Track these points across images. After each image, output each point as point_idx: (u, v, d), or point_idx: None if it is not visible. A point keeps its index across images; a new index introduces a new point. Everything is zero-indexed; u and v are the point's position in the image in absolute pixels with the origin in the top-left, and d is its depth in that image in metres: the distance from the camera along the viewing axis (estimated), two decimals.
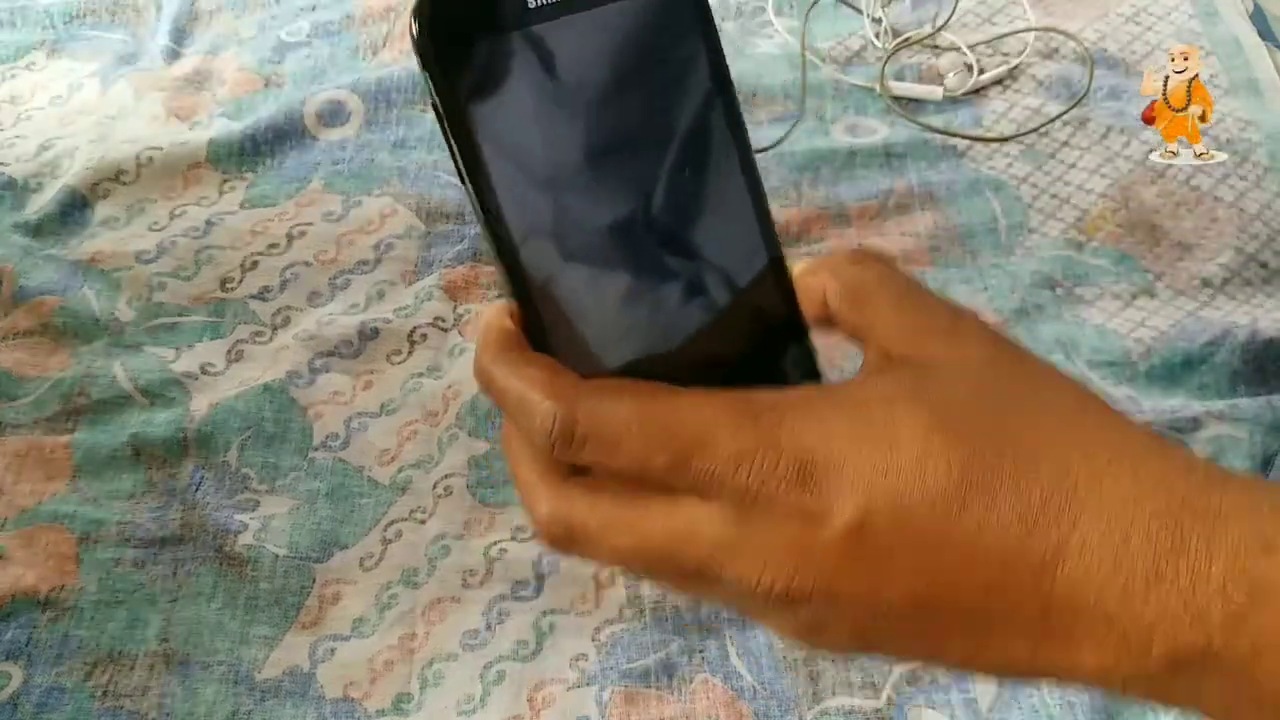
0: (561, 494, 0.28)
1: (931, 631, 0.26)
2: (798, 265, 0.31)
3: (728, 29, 0.80)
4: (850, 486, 0.26)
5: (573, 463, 0.28)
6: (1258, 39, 0.76)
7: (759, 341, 0.31)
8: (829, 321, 0.31)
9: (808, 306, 0.31)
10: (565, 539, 0.28)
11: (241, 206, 0.72)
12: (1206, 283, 0.64)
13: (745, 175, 0.31)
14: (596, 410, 0.27)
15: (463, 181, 0.29)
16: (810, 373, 0.31)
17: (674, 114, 0.30)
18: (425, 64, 0.27)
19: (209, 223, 0.71)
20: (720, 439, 0.26)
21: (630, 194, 0.30)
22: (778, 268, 0.32)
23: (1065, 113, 0.73)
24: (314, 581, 0.55)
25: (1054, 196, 0.70)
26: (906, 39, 0.80)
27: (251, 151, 0.74)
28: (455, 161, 0.29)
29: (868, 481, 0.26)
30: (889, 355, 0.29)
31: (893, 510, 0.25)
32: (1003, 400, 0.27)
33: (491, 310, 0.29)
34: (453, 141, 0.28)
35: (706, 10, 0.30)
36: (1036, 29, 0.79)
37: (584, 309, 0.30)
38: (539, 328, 0.29)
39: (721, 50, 0.30)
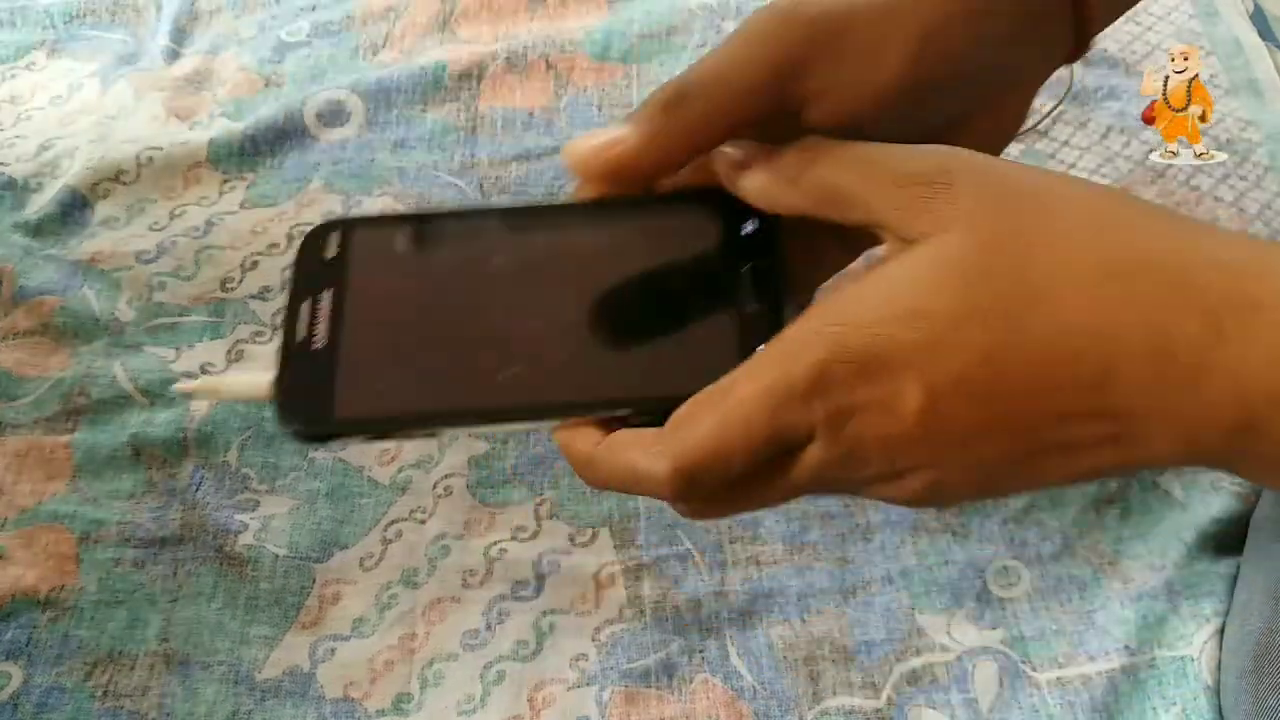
0: (699, 506, 0.32)
1: (1029, 466, 0.28)
2: (747, 172, 0.32)
3: (727, 29, 0.80)
4: (904, 370, 0.27)
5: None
6: (1258, 39, 0.76)
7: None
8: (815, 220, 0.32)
9: (779, 208, 0.32)
10: (714, 517, 0.33)
11: (242, 206, 0.72)
12: None
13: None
14: (691, 448, 0.29)
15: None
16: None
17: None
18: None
19: (209, 223, 0.71)
20: (787, 397, 0.28)
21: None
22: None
23: (1052, 111, 0.74)
24: (314, 581, 0.55)
25: None
26: None
27: (252, 151, 0.74)
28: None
29: (916, 361, 0.27)
30: (893, 235, 0.29)
31: (950, 380, 0.27)
32: (1017, 244, 0.28)
33: (562, 433, 0.32)
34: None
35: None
36: None
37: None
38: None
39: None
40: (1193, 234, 0.28)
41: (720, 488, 0.30)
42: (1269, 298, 0.26)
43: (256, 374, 0.32)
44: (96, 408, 0.62)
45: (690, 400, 0.30)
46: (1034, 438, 0.28)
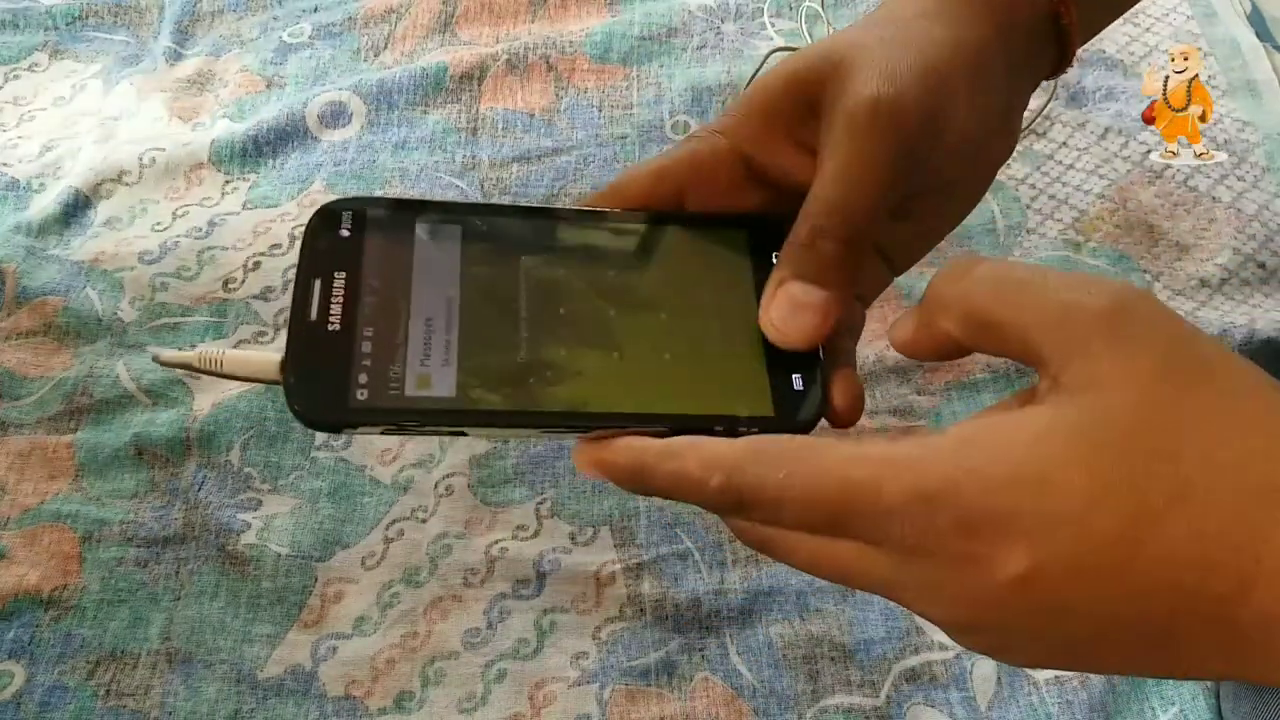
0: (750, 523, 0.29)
1: (1118, 654, 0.26)
2: (908, 326, 0.30)
3: (727, 30, 0.80)
4: (1014, 537, 0.24)
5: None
6: (1256, 40, 0.76)
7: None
8: (965, 350, 0.29)
9: (946, 356, 0.30)
10: (759, 549, 0.30)
11: (244, 207, 0.72)
12: (1204, 283, 0.65)
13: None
14: (750, 480, 0.28)
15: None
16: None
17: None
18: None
19: (211, 223, 0.71)
20: (870, 502, 0.26)
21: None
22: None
23: (1042, 109, 0.74)
24: (316, 580, 0.55)
25: (1052, 197, 0.70)
26: None
27: (254, 152, 0.74)
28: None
29: (1032, 532, 0.24)
30: (1055, 379, 0.26)
31: (1061, 560, 0.24)
32: (1175, 420, 0.25)
33: (588, 449, 0.31)
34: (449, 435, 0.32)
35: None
36: None
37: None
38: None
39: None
40: None
41: (775, 522, 0.28)
42: None
43: (265, 351, 0.31)
44: (99, 407, 0.62)
45: (784, 439, 0.28)
46: (1136, 636, 0.25)
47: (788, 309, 0.31)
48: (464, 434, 0.31)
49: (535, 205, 0.34)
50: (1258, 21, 0.78)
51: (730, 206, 0.35)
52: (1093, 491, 0.24)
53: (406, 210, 0.34)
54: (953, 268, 0.29)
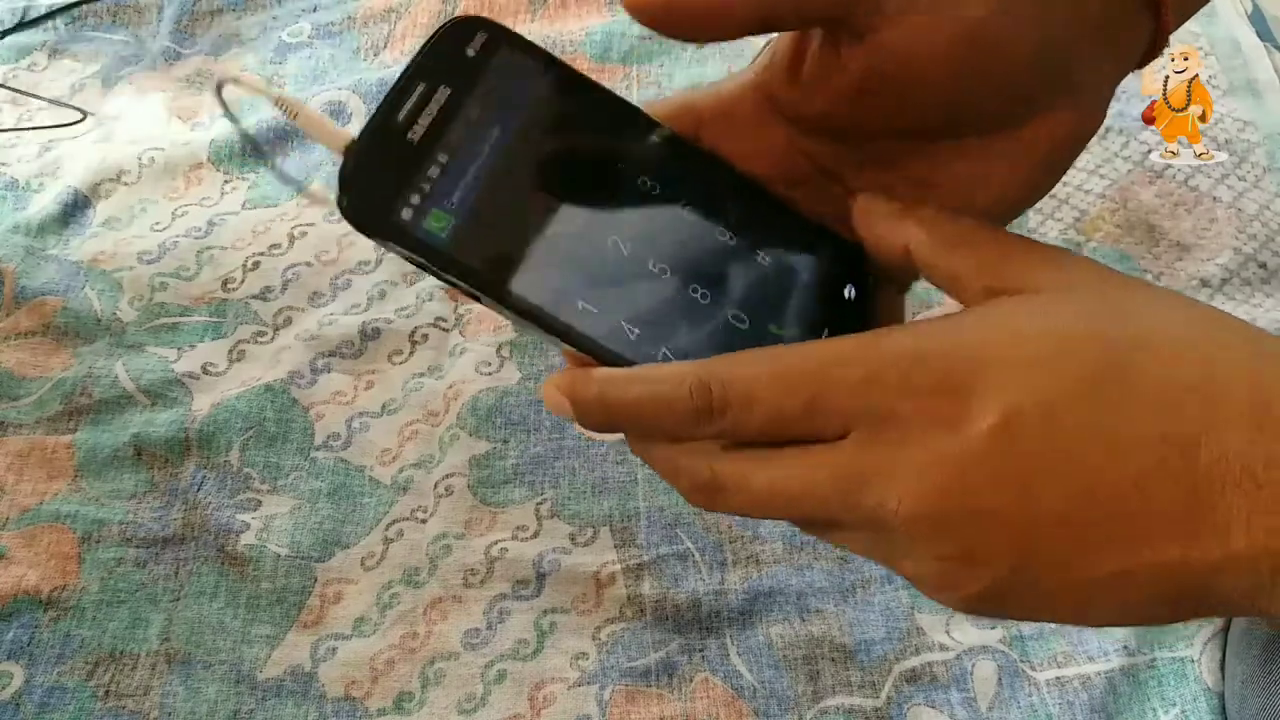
0: (702, 455, 0.28)
1: (1083, 541, 0.25)
2: (879, 206, 0.31)
3: None
4: (989, 387, 0.25)
5: (713, 437, 0.28)
6: (1256, 39, 0.76)
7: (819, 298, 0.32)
8: (907, 270, 0.30)
9: (885, 255, 0.31)
10: (710, 489, 0.28)
11: (243, 207, 0.72)
12: (1205, 283, 0.65)
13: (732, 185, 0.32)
14: (724, 376, 0.27)
15: (480, 301, 0.30)
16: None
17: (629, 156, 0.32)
18: (384, 239, 0.30)
19: (210, 223, 0.71)
20: (847, 372, 0.26)
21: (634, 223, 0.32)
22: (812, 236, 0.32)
23: None
24: (315, 581, 0.55)
25: (1053, 197, 0.70)
26: None
27: (253, 152, 0.74)
28: (466, 291, 0.31)
29: (1006, 378, 0.25)
30: (992, 289, 0.28)
31: (1035, 406, 0.24)
32: (1125, 307, 0.26)
33: (559, 377, 0.30)
34: (454, 280, 0.30)
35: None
36: None
37: (649, 329, 0.31)
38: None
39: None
40: None
41: (731, 434, 0.27)
42: None
43: (339, 127, 0.31)
44: (98, 408, 0.62)
45: (751, 349, 0.28)
46: (1101, 501, 0.24)
47: None
48: (477, 298, 0.31)
49: (657, 122, 0.33)
50: (1258, 21, 0.78)
51: (749, 142, 0.33)
52: (1063, 341, 0.25)
53: (540, 62, 0.33)
54: (961, 224, 0.30)
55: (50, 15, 0.85)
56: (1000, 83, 0.29)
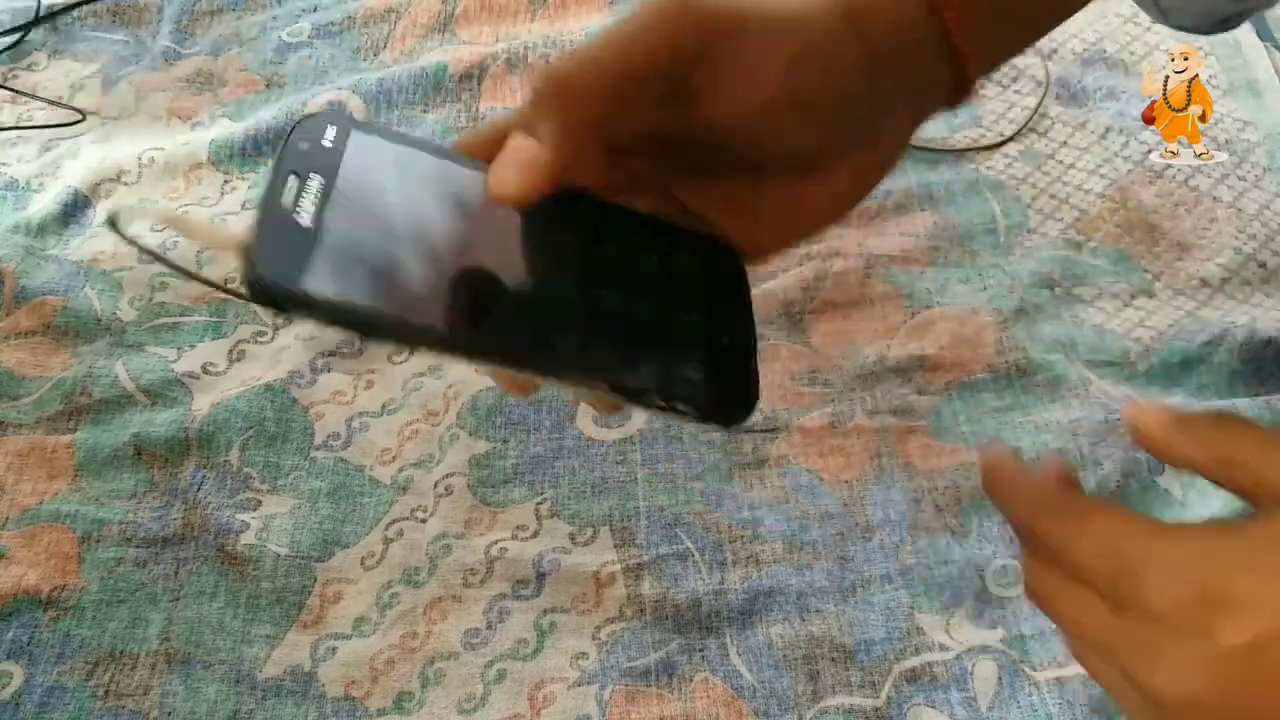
0: (1039, 565, 0.32)
1: None
2: (1156, 419, 0.33)
3: None
4: (1247, 605, 0.27)
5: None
6: (1256, 39, 0.76)
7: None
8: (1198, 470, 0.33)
9: (1175, 461, 0.33)
10: (1030, 594, 0.32)
11: (243, 207, 0.72)
12: (1205, 282, 0.64)
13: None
14: (1057, 528, 0.31)
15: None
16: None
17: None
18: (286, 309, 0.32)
19: (210, 221, 0.71)
20: (1148, 567, 0.29)
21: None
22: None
23: (1035, 110, 0.74)
24: (315, 581, 0.55)
25: (1053, 196, 0.70)
26: None
27: (253, 152, 0.74)
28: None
29: (1264, 601, 0.27)
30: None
31: None
32: None
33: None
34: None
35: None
36: None
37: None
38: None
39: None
40: None
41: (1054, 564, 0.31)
42: None
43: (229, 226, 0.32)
44: (98, 407, 0.62)
45: (1092, 503, 0.31)
46: None
47: (509, 157, 0.32)
48: (386, 341, 0.34)
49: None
50: (1258, 21, 0.78)
51: (580, 168, 0.34)
52: None
53: (388, 139, 0.36)
54: (1219, 419, 0.33)
55: (51, 16, 0.85)
56: (799, 137, 0.33)
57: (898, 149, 0.36)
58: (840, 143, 0.34)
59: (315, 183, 0.33)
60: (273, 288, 0.32)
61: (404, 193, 0.35)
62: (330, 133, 0.35)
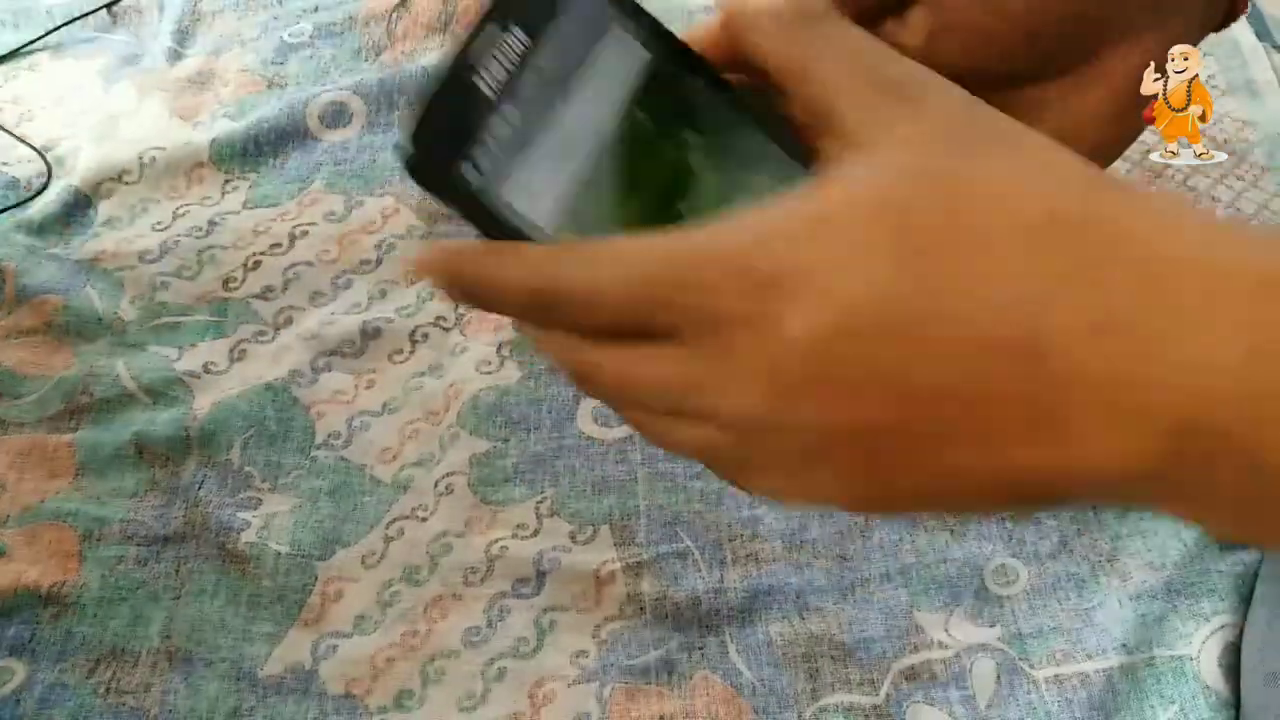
0: (567, 341, 0.27)
1: (928, 447, 0.23)
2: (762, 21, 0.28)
3: None
4: (801, 287, 0.23)
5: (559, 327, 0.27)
6: (1255, 40, 0.76)
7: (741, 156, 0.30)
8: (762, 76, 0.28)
9: (725, 54, 0.29)
10: (574, 375, 0.27)
11: (244, 206, 0.72)
12: None
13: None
14: (552, 270, 0.26)
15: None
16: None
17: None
18: (443, 197, 0.28)
19: (211, 222, 0.71)
20: (667, 270, 0.25)
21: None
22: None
23: None
24: (316, 579, 0.55)
25: None
26: None
27: (254, 152, 0.74)
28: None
29: (818, 280, 0.23)
30: (845, 138, 0.26)
31: (850, 309, 0.23)
32: (958, 174, 0.24)
33: (438, 249, 0.28)
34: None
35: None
36: None
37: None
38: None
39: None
40: (1150, 198, 0.23)
41: (574, 324, 0.26)
42: (1238, 274, 0.21)
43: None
44: (99, 406, 0.62)
45: (601, 240, 0.27)
46: (939, 406, 0.23)
47: None
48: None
49: (738, 90, 0.30)
50: (1257, 21, 0.78)
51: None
52: (876, 237, 0.23)
53: (616, 7, 0.30)
54: (801, 8, 0.28)
55: (51, 18, 0.86)
56: (1071, 12, 0.28)
57: (1191, 30, 0.31)
58: (1115, 15, 0.29)
59: (516, 41, 0.28)
60: (419, 169, 0.27)
61: (607, 75, 0.29)
62: None
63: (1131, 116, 0.31)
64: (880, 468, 0.24)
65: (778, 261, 0.23)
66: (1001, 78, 0.29)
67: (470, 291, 0.28)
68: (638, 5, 0.30)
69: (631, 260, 0.25)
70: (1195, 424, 0.21)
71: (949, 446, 0.23)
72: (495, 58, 0.28)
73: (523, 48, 0.28)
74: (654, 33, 0.30)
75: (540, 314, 0.27)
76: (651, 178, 0.29)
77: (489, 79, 0.28)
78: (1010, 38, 0.28)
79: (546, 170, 0.28)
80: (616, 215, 0.29)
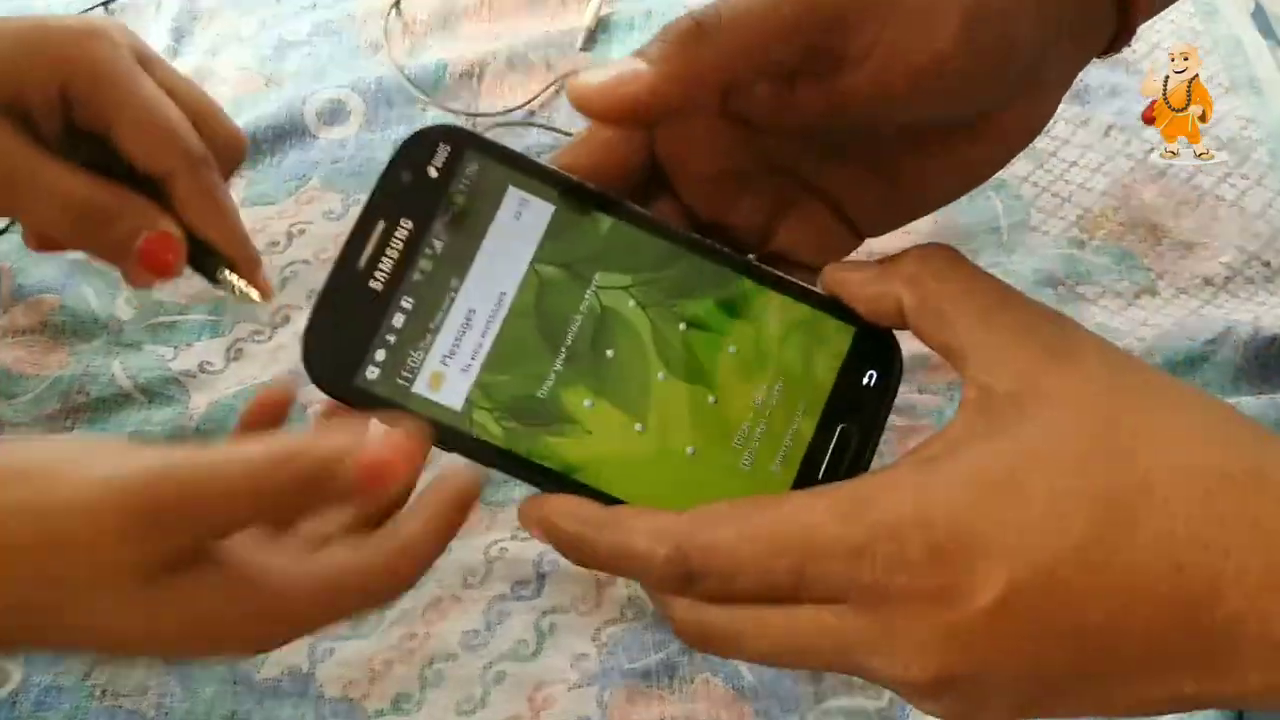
0: (692, 606, 0.27)
1: (1095, 688, 0.25)
2: (860, 269, 0.29)
3: None
4: (989, 555, 0.24)
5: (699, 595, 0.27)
6: (1258, 37, 0.76)
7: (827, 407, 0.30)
8: (903, 328, 0.29)
9: (880, 319, 0.29)
10: (702, 643, 0.27)
11: (241, 204, 0.71)
12: (1208, 281, 0.64)
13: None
14: (703, 543, 0.26)
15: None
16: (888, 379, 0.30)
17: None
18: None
19: None
20: (833, 540, 0.25)
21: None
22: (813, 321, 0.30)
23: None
24: None
25: (1055, 195, 0.70)
26: None
27: (252, 150, 0.74)
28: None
29: (1006, 547, 0.24)
30: (992, 391, 0.26)
31: (1037, 571, 0.24)
32: (1129, 433, 0.25)
33: (534, 505, 0.29)
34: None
35: None
36: None
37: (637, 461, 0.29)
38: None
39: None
40: None
41: (717, 596, 0.26)
42: None
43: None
44: (95, 406, 0.61)
45: (728, 500, 0.27)
46: (1111, 656, 0.24)
47: (605, 72, 0.27)
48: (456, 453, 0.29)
49: (650, 216, 0.30)
50: (1260, 19, 0.78)
51: (697, 136, 0.30)
52: (1059, 497, 0.24)
53: (506, 166, 0.29)
54: (938, 252, 0.29)
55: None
56: (966, 95, 0.29)
57: (1058, 97, 0.32)
58: (1007, 94, 0.30)
59: (403, 232, 0.27)
60: (322, 378, 0.27)
61: (503, 243, 0.28)
62: (440, 157, 0.28)
63: (997, 169, 0.33)
64: (1046, 704, 0.25)
65: (955, 539, 0.24)
66: (876, 138, 0.31)
67: (582, 557, 0.28)
68: (534, 161, 0.29)
69: (778, 524, 0.25)
70: None
71: (1116, 687, 0.25)
72: (384, 252, 0.27)
73: (410, 235, 0.28)
74: (555, 184, 0.29)
75: (677, 584, 0.27)
76: (566, 328, 0.29)
77: (380, 275, 0.27)
78: (891, 123, 0.29)
79: (455, 350, 0.28)
80: (533, 376, 0.28)
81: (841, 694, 0.50)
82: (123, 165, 0.42)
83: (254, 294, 0.42)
